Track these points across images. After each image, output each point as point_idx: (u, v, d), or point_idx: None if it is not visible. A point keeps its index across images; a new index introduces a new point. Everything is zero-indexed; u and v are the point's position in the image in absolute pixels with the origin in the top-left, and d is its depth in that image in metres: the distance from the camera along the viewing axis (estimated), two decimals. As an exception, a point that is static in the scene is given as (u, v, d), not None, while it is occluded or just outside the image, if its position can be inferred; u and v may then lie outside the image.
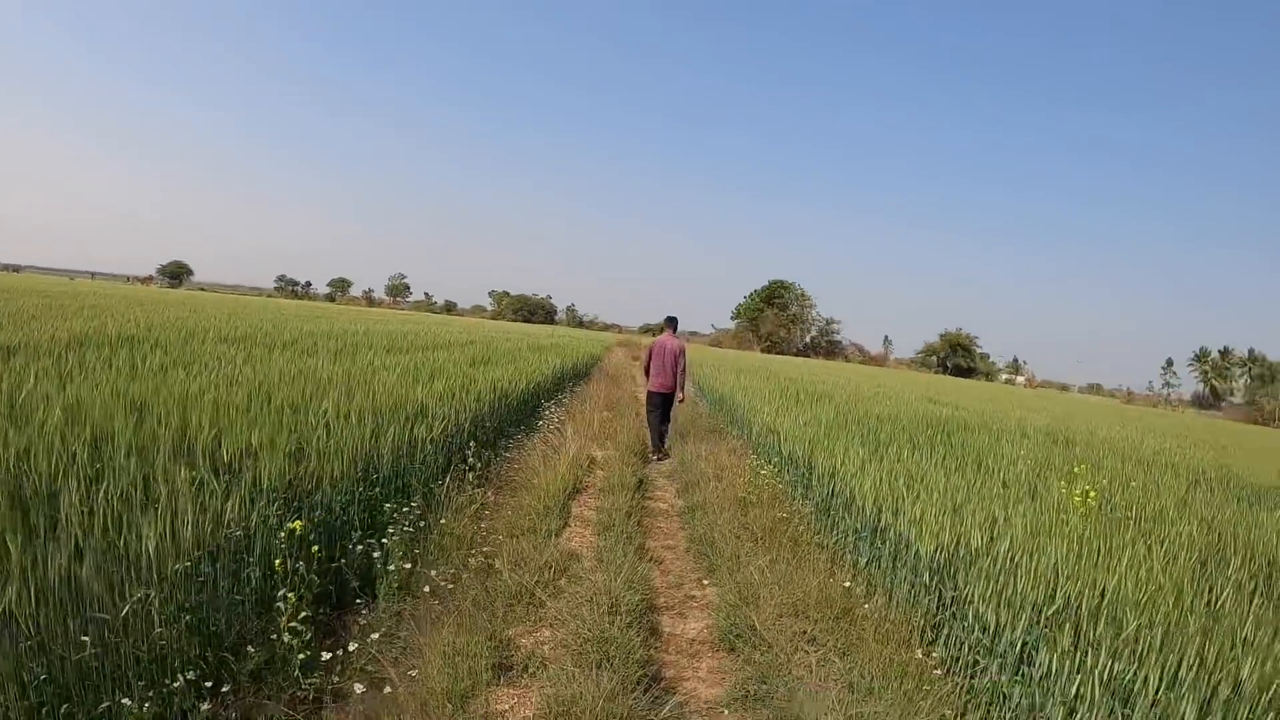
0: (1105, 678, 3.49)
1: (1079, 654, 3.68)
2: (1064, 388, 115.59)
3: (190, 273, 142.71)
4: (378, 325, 24.62)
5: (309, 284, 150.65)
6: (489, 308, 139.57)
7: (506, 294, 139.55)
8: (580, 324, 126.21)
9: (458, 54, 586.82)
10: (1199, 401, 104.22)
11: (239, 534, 4.42)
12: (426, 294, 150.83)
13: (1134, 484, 7.77)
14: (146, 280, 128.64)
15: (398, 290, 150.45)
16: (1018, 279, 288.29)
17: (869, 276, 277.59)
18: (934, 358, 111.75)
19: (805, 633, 5.31)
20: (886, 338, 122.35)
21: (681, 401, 13.03)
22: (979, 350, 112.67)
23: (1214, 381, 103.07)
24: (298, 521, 4.56)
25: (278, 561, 4.39)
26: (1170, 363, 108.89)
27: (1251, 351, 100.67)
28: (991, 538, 5.07)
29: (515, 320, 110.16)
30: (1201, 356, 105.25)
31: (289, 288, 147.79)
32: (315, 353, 11.90)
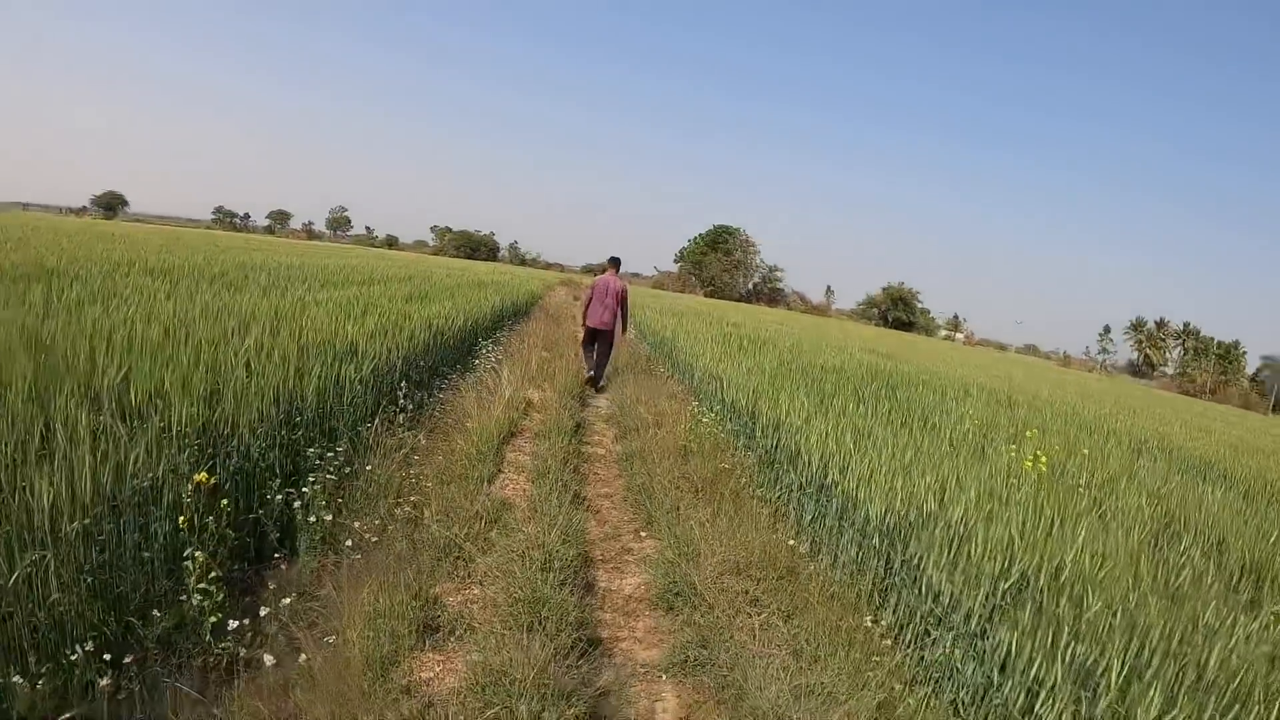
0: (1068, 660, 3.29)
1: (1040, 633, 3.48)
2: (1001, 347, 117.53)
3: (125, 204, 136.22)
4: (314, 259, 23.73)
5: (248, 216, 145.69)
6: (431, 243, 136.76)
7: (449, 230, 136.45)
8: (523, 262, 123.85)
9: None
10: (1133, 369, 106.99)
11: (146, 486, 4.02)
12: (368, 228, 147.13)
13: (1085, 450, 7.67)
14: (80, 212, 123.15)
15: (339, 224, 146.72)
16: (960, 237, 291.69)
17: (813, 226, 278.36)
18: (875, 310, 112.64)
19: (748, 593, 5.08)
20: (829, 288, 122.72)
21: (625, 336, 13.28)
22: (920, 305, 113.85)
23: (1148, 351, 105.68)
24: (203, 473, 4.14)
25: (181, 519, 3.98)
26: (1108, 329, 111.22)
27: (1186, 325, 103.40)
28: (942, 502, 4.86)
29: (457, 256, 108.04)
30: (1138, 325, 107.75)
31: (227, 219, 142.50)
32: (245, 287, 11.27)
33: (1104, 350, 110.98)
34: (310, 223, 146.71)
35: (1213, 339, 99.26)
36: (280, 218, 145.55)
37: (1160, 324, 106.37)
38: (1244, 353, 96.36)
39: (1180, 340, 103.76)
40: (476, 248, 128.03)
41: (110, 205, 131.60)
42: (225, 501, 4.23)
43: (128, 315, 6.65)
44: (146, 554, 3.90)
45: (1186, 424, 16.84)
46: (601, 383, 13.00)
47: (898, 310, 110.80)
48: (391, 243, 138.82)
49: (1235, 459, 10.54)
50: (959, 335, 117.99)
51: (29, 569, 3.28)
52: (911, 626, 4.44)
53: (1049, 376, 35.54)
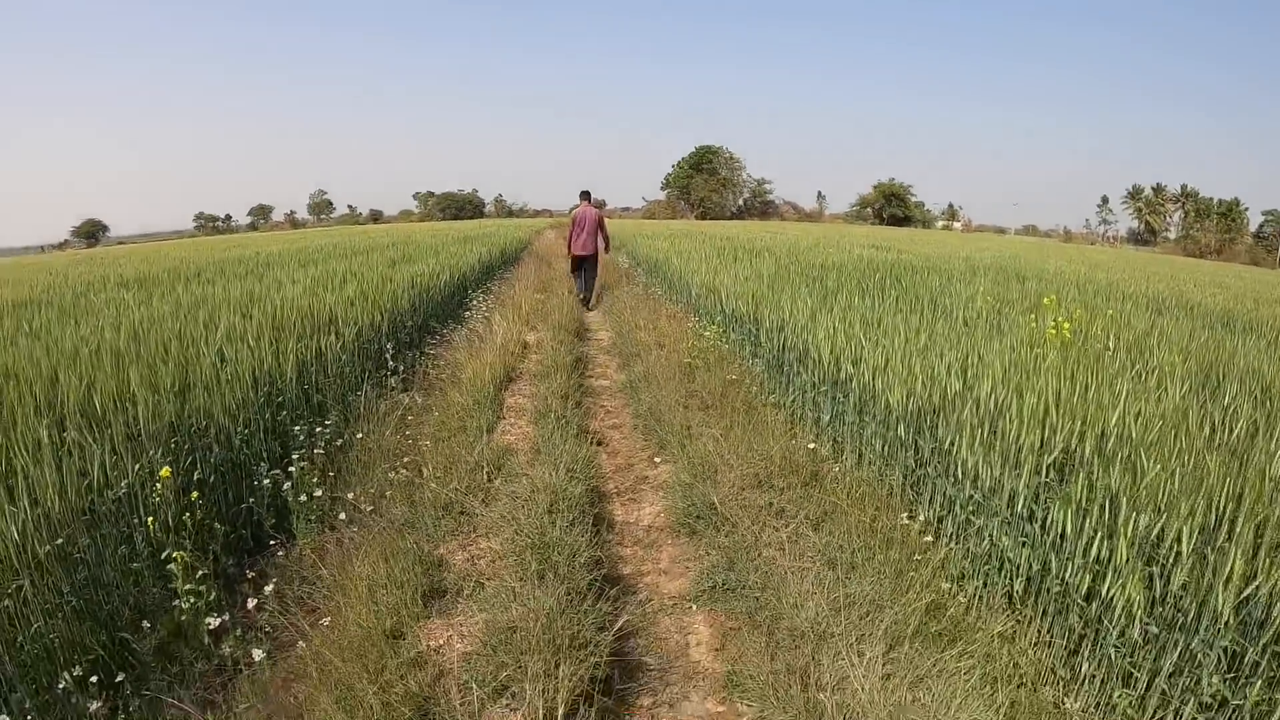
0: (1131, 535, 2.95)
1: (1097, 509, 3.13)
2: (1000, 231, 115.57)
3: (106, 229, 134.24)
4: (296, 244, 23.15)
5: (229, 217, 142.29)
6: (417, 211, 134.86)
7: (432, 194, 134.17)
8: (510, 214, 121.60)
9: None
10: (1135, 238, 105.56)
11: (122, 493, 3.74)
12: (351, 207, 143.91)
13: (1110, 312, 7.29)
14: (62, 245, 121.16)
15: (320, 208, 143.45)
16: (947, 127, 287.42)
17: (796, 134, 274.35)
18: (869, 209, 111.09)
19: (771, 505, 4.77)
20: (820, 193, 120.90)
21: (606, 253, 14.75)
22: (914, 199, 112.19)
23: (1148, 218, 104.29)
24: (165, 469, 3.82)
25: (150, 520, 3.69)
26: (1105, 200, 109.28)
27: (1184, 187, 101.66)
28: (966, 381, 4.49)
29: (444, 220, 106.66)
30: (1135, 193, 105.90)
31: (209, 224, 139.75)
32: (220, 281, 10.79)
33: (1104, 221, 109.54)
34: (292, 212, 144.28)
35: (1213, 199, 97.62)
36: (262, 212, 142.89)
37: (1158, 189, 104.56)
38: (1245, 210, 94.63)
39: (1180, 204, 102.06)
40: (462, 207, 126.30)
41: (91, 234, 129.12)
42: (196, 494, 3.93)
43: (96, 326, 6.32)
44: (135, 564, 3.64)
45: (1199, 283, 16.37)
46: (592, 301, 14.60)
47: (892, 207, 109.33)
48: (376, 217, 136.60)
49: (1256, 310, 10.15)
50: (956, 224, 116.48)
51: (7, 600, 3.04)
52: (952, 518, 4.11)
53: (1053, 251, 34.92)
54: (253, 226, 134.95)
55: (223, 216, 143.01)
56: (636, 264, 19.54)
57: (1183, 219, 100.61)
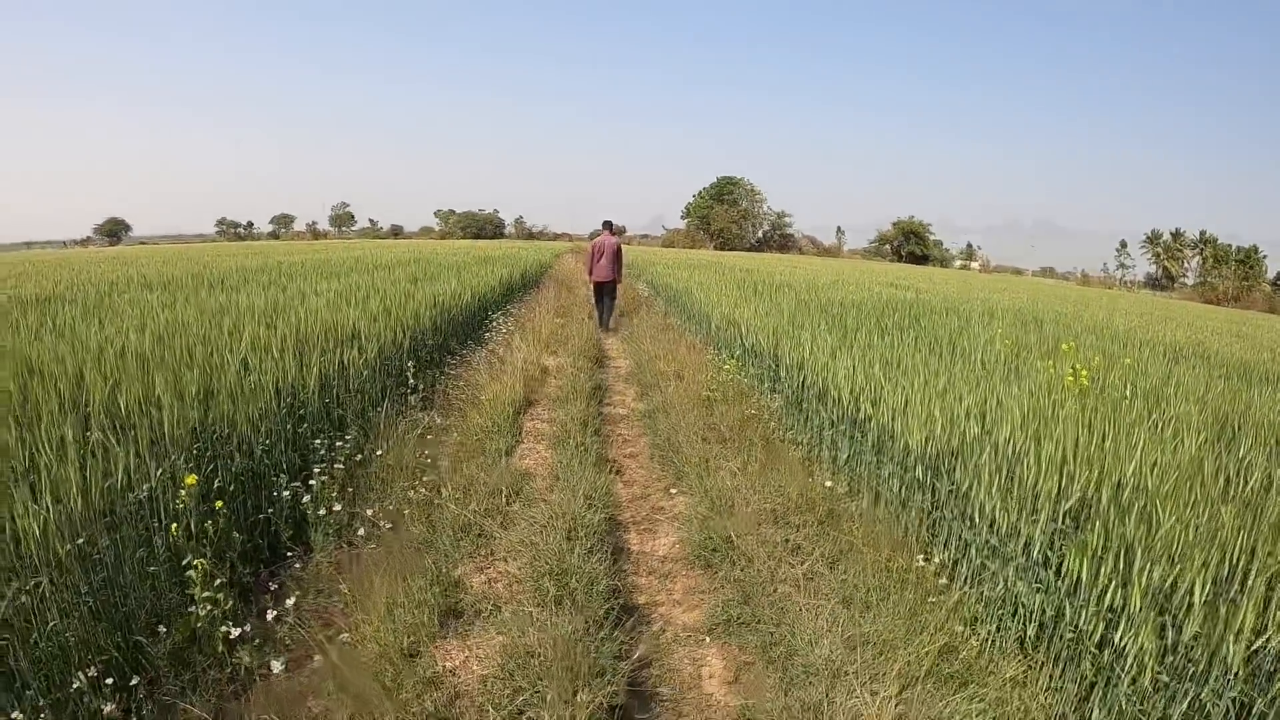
0: (1145, 586, 2.99)
1: (1112, 558, 3.17)
2: (1018, 272, 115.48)
3: (128, 228, 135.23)
4: (317, 255, 23.34)
5: (251, 224, 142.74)
6: (437, 228, 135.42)
7: (453, 212, 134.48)
8: (530, 235, 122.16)
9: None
10: (1152, 283, 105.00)
11: (143, 496, 3.80)
12: (372, 220, 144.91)
13: (1127, 360, 7.31)
14: (84, 242, 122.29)
15: (342, 220, 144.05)
16: (967, 166, 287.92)
17: (818, 169, 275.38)
18: (887, 246, 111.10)
19: (788, 541, 4.81)
20: (839, 228, 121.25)
21: (619, 282, 15.22)
22: (932, 237, 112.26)
23: (1166, 263, 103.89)
24: (191, 476, 3.88)
25: (174, 526, 3.74)
26: (1124, 245, 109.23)
27: (1203, 234, 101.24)
28: (984, 425, 4.54)
29: (464, 238, 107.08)
30: (1153, 239, 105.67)
31: (231, 230, 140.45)
32: (243, 288, 10.89)
33: (1121, 265, 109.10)
34: (314, 222, 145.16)
35: (1231, 245, 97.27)
36: (284, 221, 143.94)
37: (1176, 235, 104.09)
38: (1264, 256, 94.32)
39: (1198, 249, 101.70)
40: (482, 227, 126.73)
41: (113, 232, 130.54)
42: (220, 503, 3.98)
43: (121, 327, 6.40)
44: (152, 567, 3.68)
45: (1217, 331, 16.33)
46: (610, 324, 15.11)
47: (910, 244, 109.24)
48: (397, 232, 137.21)
49: (1274, 362, 10.12)
50: (974, 264, 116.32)
51: (25, 597, 3.09)
52: (966, 561, 4.15)
53: (1070, 295, 34.79)
54: (274, 235, 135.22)
55: (244, 223, 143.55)
56: (656, 292, 19.63)
57: (1200, 265, 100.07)
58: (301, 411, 5.60)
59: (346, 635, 3.65)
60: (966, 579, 4.10)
